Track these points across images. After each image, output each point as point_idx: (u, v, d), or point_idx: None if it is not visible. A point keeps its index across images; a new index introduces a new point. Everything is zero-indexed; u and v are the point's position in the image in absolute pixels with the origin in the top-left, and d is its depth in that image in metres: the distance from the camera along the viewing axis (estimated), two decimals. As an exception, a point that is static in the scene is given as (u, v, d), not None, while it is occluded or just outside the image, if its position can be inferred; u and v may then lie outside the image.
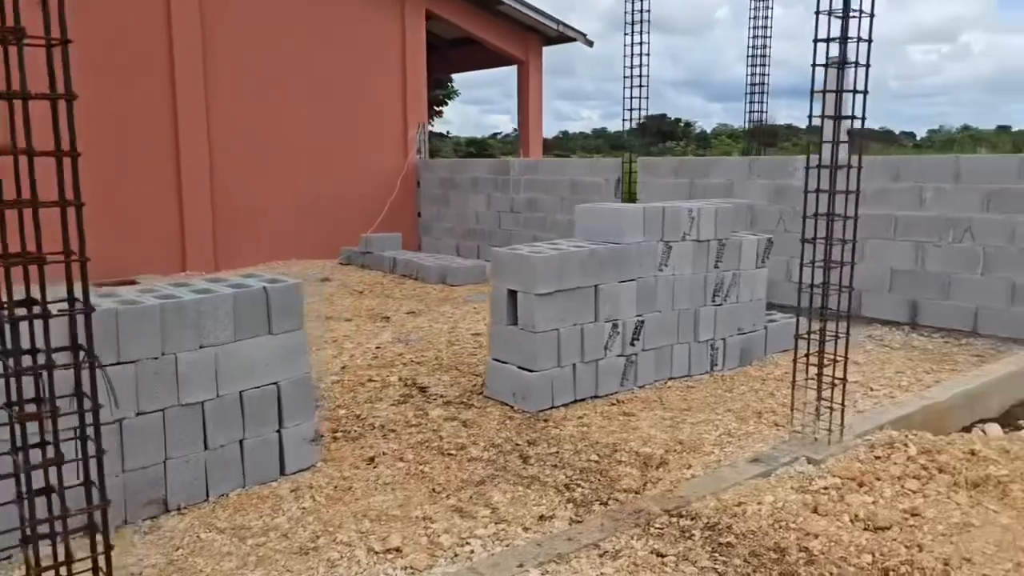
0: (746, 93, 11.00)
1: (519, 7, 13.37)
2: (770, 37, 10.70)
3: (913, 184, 7.15)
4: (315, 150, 12.10)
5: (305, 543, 3.28)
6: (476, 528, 3.41)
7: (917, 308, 7.21)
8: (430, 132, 36.12)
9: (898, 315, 7.32)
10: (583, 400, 5.11)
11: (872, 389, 5.36)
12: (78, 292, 2.10)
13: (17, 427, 2.09)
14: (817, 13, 3.92)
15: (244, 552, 3.22)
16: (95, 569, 2.15)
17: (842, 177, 4.10)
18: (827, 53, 3.97)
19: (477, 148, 42.76)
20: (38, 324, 2.08)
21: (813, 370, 4.25)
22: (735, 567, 3.05)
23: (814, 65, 4.01)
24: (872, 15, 3.93)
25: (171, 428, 3.56)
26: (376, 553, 3.20)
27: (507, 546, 3.25)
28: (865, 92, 4.07)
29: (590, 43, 14.58)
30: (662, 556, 3.10)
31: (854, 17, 3.89)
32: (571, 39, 14.51)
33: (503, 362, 5.09)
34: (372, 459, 4.19)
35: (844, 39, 3.91)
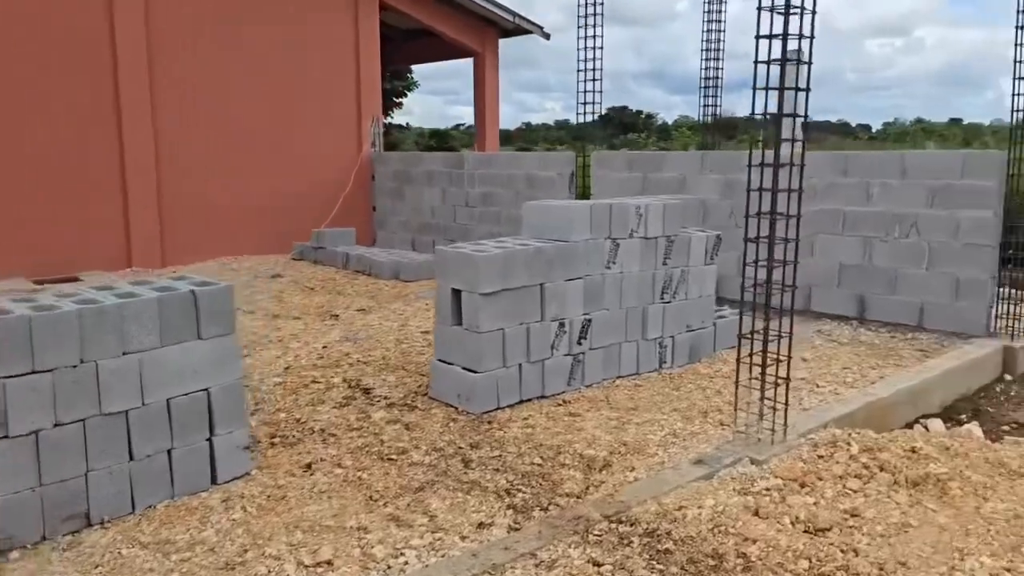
0: (701, 87, 11.00)
1: (474, -2, 13.23)
2: (724, 32, 10.71)
3: (861, 179, 7.20)
4: (267, 143, 11.85)
5: (232, 558, 3.16)
6: (412, 538, 3.32)
7: (865, 303, 7.27)
8: (390, 124, 35.88)
9: (847, 310, 7.38)
10: (529, 400, 5.04)
11: (818, 386, 5.37)
12: None
13: None
14: (759, 9, 3.88)
15: (167, 569, 3.09)
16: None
17: (791, 174, 4.07)
18: (769, 50, 3.93)
19: (439, 139, 42.53)
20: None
21: (758, 369, 4.23)
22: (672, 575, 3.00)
23: (756, 62, 3.96)
24: (814, 12, 3.90)
25: (93, 439, 3.41)
26: (306, 567, 3.09)
27: (442, 556, 3.17)
28: (808, 89, 4.05)
29: (547, 36, 14.50)
30: (599, 565, 3.04)
31: (795, 14, 3.85)
32: (528, 31, 14.40)
33: (448, 363, 4.99)
34: (309, 466, 4.07)
35: (786, 36, 3.87)
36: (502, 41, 14.77)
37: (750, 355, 4.19)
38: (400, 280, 9.73)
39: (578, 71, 9.50)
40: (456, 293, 4.91)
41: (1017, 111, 6.38)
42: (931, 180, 6.79)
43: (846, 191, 7.30)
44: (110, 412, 3.44)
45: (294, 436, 4.49)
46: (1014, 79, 6.26)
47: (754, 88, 3.97)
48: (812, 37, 3.95)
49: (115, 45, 10.38)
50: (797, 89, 3.99)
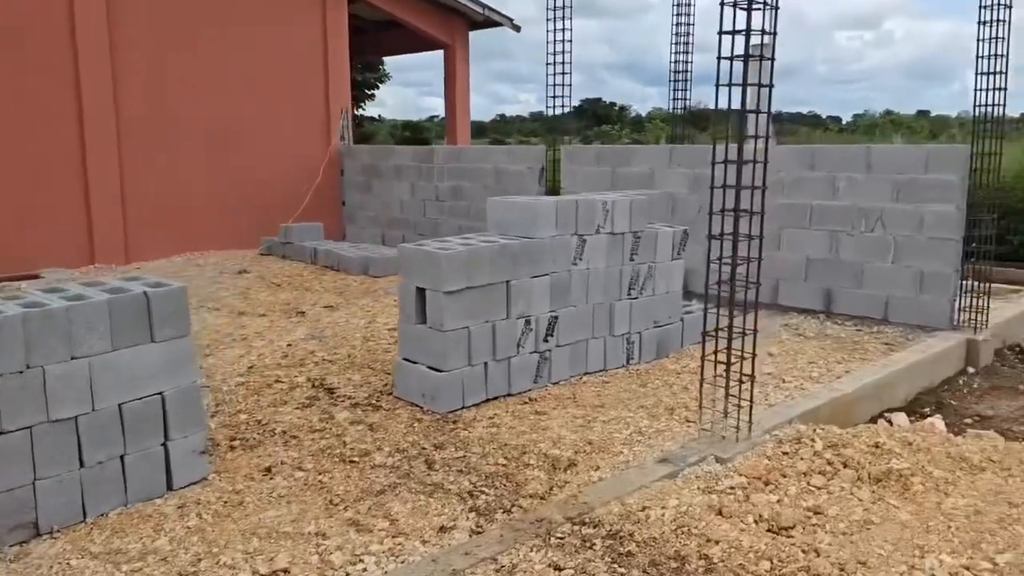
0: (671, 80, 10.98)
1: (443, -10, 13.10)
2: (693, 24, 10.69)
3: (828, 173, 7.23)
4: (233, 137, 11.66)
5: (185, 567, 3.08)
6: (371, 543, 3.26)
7: (832, 296, 7.31)
8: (362, 116, 35.57)
9: (814, 303, 7.41)
10: (496, 399, 5.00)
11: (784, 381, 5.38)
12: None
13: None
14: (722, 5, 3.85)
15: (117, 580, 3.01)
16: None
17: (754, 171, 4.05)
18: (732, 45, 3.91)
19: (413, 131, 42.30)
20: None
21: (723, 367, 4.21)
22: (634, 578, 2.97)
23: (719, 57, 3.93)
24: (776, 7, 3.87)
25: (40, 446, 3.30)
26: (261, 576, 3.02)
27: (402, 562, 3.12)
28: (771, 86, 4.03)
29: (517, 27, 14.41)
30: (560, 570, 3.00)
31: (758, 9, 3.82)
32: (498, 23, 14.30)
33: (412, 362, 4.93)
34: (269, 469, 4.00)
35: (748, 32, 3.85)
36: (475, 33, 14.67)
37: (715, 352, 4.17)
38: (369, 276, 9.63)
39: (547, 63, 9.45)
40: (420, 291, 4.84)
41: (980, 105, 6.42)
42: (896, 174, 6.82)
43: (813, 185, 7.32)
44: (58, 419, 3.34)
45: (254, 438, 4.40)
46: (976, 73, 6.31)
47: (717, 84, 3.94)
48: (775, 33, 3.93)
49: (75, 35, 10.15)
50: (760, 85, 3.96)
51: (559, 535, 3.27)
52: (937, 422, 5.01)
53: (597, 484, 3.78)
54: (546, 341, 5.21)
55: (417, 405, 4.87)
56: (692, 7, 10.52)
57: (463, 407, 4.82)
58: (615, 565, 3.05)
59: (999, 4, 6.21)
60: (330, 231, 12.16)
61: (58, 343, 3.31)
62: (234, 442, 4.35)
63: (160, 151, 11.01)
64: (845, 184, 7.12)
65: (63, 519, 3.38)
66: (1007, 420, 5.38)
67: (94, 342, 3.42)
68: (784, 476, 3.89)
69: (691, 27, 10.60)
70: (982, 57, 6.29)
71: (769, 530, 3.38)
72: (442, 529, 3.40)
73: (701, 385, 4.29)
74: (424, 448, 4.27)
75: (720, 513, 3.47)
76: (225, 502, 3.62)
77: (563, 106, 9.51)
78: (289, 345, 6.37)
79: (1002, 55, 6.28)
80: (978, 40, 6.28)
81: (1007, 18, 6.24)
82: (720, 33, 3.90)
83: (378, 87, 33.19)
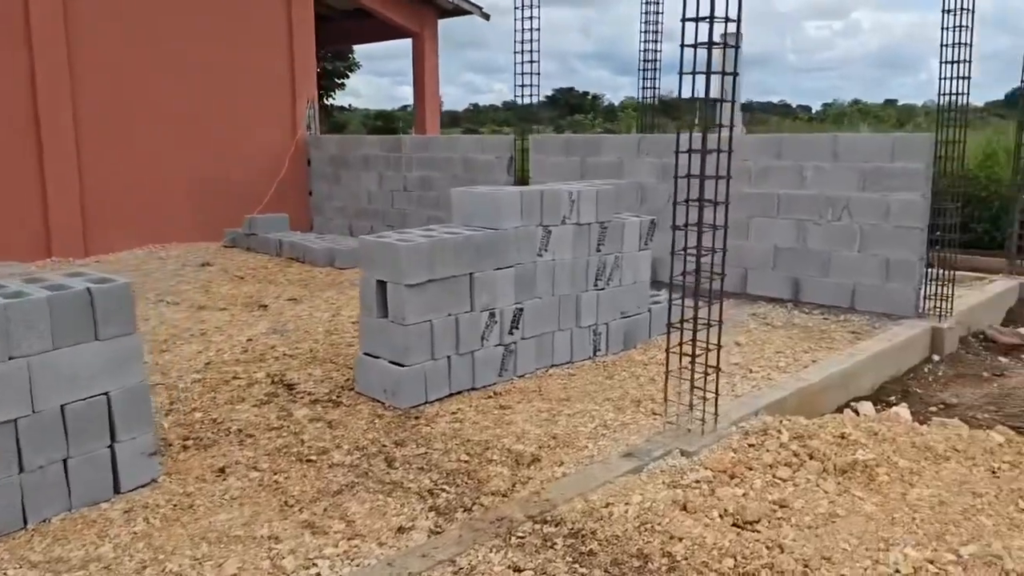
0: (640, 68, 10.88)
1: (411, -23, 12.91)
2: (662, 12, 10.60)
3: (795, 162, 7.20)
4: (196, 126, 11.40)
5: (129, 575, 2.95)
6: (326, 546, 3.15)
7: (799, 285, 7.30)
8: (332, 105, 35.07)
9: (782, 292, 7.40)
10: (460, 393, 4.90)
11: (751, 371, 5.34)
12: None
13: None
14: (684, -10, 3.76)
15: (57, 590, 2.88)
16: None
17: (718, 160, 3.98)
18: (696, 32, 3.82)
19: (386, 120, 41.93)
20: None
21: (688, 359, 4.15)
22: (595, 578, 2.90)
23: (683, 45, 3.85)
24: (740, -7, 3.78)
25: (-24, 451, 3.16)
26: (209, 583, 2.90)
27: (357, 566, 3.02)
28: (735, 73, 3.95)
29: (486, 16, 14.26)
30: (519, 571, 2.92)
31: (721, -6, 3.73)
32: (467, 12, 14.14)
33: (374, 356, 4.82)
34: (222, 470, 3.87)
35: (712, 18, 3.76)
36: (449, 22, 14.50)
37: (680, 344, 4.11)
38: (335, 267, 9.48)
39: (515, 52, 9.32)
40: (381, 284, 4.72)
41: (945, 94, 6.42)
42: (862, 163, 6.81)
43: (780, 174, 7.29)
44: (-4, 421, 3.19)
45: (209, 438, 4.27)
46: (941, 62, 6.29)
47: (680, 72, 3.86)
48: (739, 20, 3.85)
49: (29, 24, 9.83)
50: (725, 73, 3.89)
51: (520, 534, 3.18)
52: (902, 411, 5.00)
53: (560, 480, 3.70)
54: (511, 334, 5.12)
55: (379, 401, 4.76)
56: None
57: (426, 402, 4.72)
58: (576, 565, 2.97)
59: (964, -8, 6.19)
60: (297, 222, 11.96)
61: (-6, 343, 3.15)
62: (187, 442, 4.21)
63: (120, 142, 10.73)
64: (812, 173, 7.10)
65: (2, 526, 3.24)
66: (971, 408, 5.39)
67: (33, 341, 3.27)
68: (750, 469, 3.84)
69: (660, 15, 10.53)
70: (946, 46, 6.27)
71: (734, 525, 3.33)
72: (400, 530, 3.30)
73: (666, 378, 4.23)
74: (384, 445, 4.16)
75: (685, 508, 3.41)
76: (175, 505, 3.50)
77: (532, 95, 9.40)
78: (249, 340, 6.22)
79: (966, 43, 6.27)
80: (942, 28, 6.26)
81: (971, 6, 6.23)
82: (684, 20, 3.81)
83: (348, 76, 32.83)
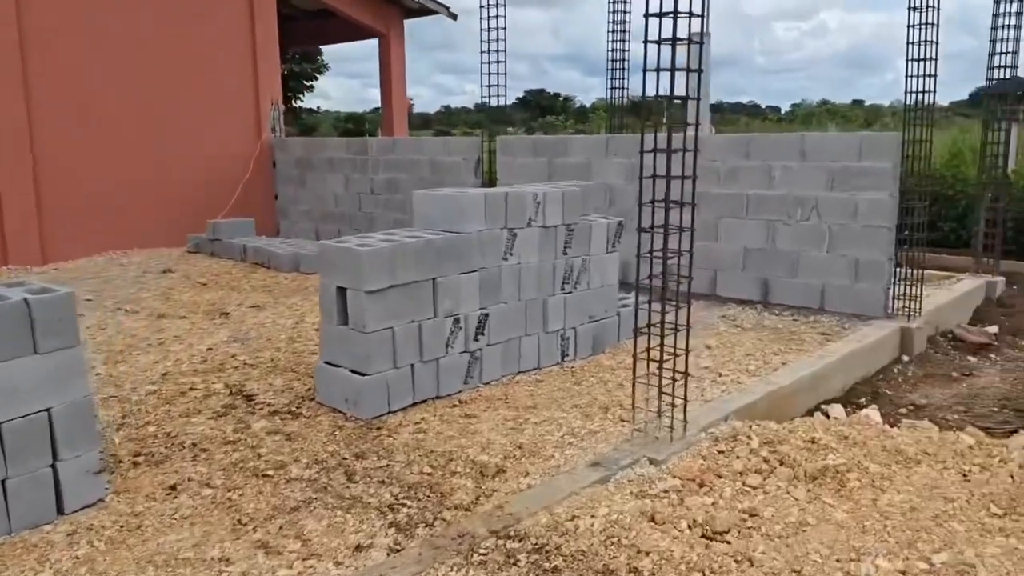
0: (608, 68, 10.82)
1: (376, -23, 12.74)
2: (630, 12, 10.55)
3: (763, 162, 7.15)
4: (159, 130, 11.12)
5: (68, 604, 2.79)
6: (280, 568, 3.01)
7: (769, 286, 7.26)
8: (300, 108, 34.65)
9: (752, 294, 7.35)
10: (424, 402, 4.77)
11: (721, 375, 5.27)
12: None
13: None
14: (647, -14, 3.67)
15: (-11, 622, 2.71)
16: None
17: (684, 160, 3.89)
18: (659, 28, 3.73)
19: (357, 123, 41.71)
20: None
21: (656, 365, 4.05)
22: (560, 596, 2.79)
23: (646, 41, 3.76)
24: (703, -11, 3.70)
25: (-96, 474, 2.97)
26: (154, 610, 2.75)
27: (311, 588, 2.88)
28: (700, 70, 3.87)
29: (453, 16, 14.13)
30: (480, 590, 2.81)
31: (685, -9, 3.65)
32: (433, 12, 13.99)
33: (335, 365, 4.67)
34: (174, 487, 3.70)
35: (676, 13, 3.68)
36: (419, 24, 14.37)
37: (647, 350, 4.01)
38: (301, 272, 9.29)
39: (482, 52, 9.20)
40: (341, 291, 4.58)
41: (911, 92, 6.40)
42: (830, 162, 6.78)
43: (749, 174, 7.24)
44: (-75, 443, 3.01)
45: (161, 453, 4.10)
46: (907, 61, 6.28)
47: (644, 69, 3.76)
48: (703, 16, 3.76)
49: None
50: (690, 70, 3.80)
51: (482, 551, 3.06)
52: (873, 413, 4.95)
53: (526, 492, 3.59)
54: (476, 340, 5.00)
55: (340, 411, 4.62)
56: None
57: (388, 412, 4.58)
58: (540, 583, 2.86)
59: (928, -10, 6.18)
60: (262, 226, 11.74)
61: (-79, 359, 2.97)
62: (138, 458, 4.03)
63: (78, 145, 10.43)
64: (780, 173, 7.06)
65: (-66, 553, 3.06)
66: (941, 408, 5.36)
67: (-34, 356, 3.09)
68: (719, 477, 3.76)
69: (627, 15, 10.46)
70: (913, 43, 6.26)
71: (704, 536, 3.24)
72: (358, 548, 3.17)
73: (634, 385, 4.13)
74: (344, 458, 4.02)
75: (653, 520, 3.31)
76: (121, 526, 3.33)
77: (499, 96, 9.29)
78: (209, 349, 6.04)
79: (932, 41, 6.26)
80: (908, 26, 6.25)
81: (936, 4, 6.22)
82: (647, 16, 3.72)
83: (316, 78, 32.55)
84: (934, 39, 6.27)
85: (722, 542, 3.19)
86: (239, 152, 12.00)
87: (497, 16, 9.08)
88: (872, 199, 6.57)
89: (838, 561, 2.98)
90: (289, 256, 9.46)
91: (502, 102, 9.33)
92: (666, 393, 4.05)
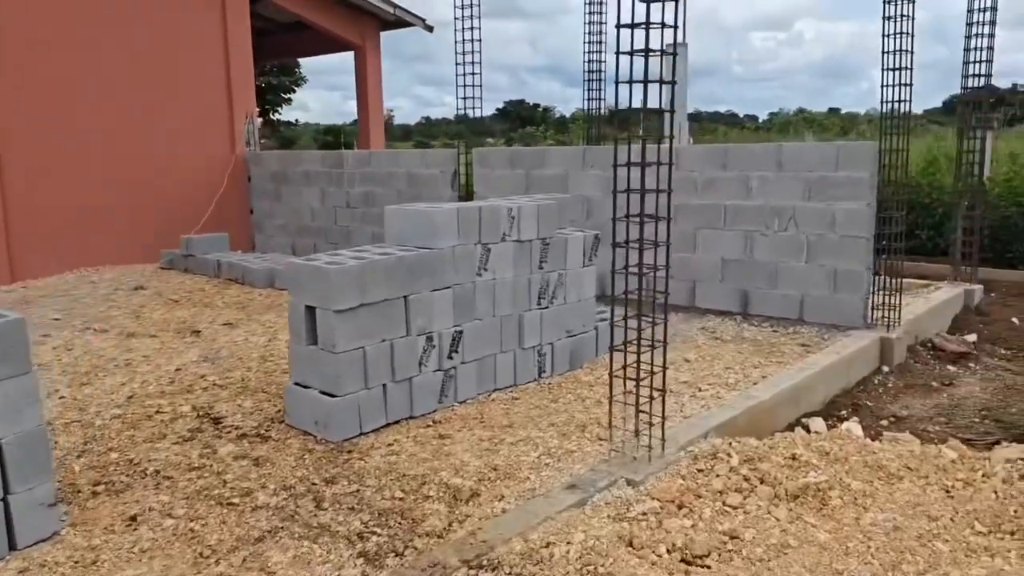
0: (584, 80, 10.77)
1: (351, -12, 12.64)
2: (606, 23, 10.52)
3: (740, 173, 7.11)
4: (130, 144, 10.94)
5: (14, 649, 2.65)
6: (241, 604, 2.88)
7: (748, 297, 7.20)
8: (278, 121, 34.48)
9: (731, 305, 7.29)
10: (397, 423, 4.64)
11: (700, 389, 5.19)
12: None
13: None
14: (618, -4, 3.59)
15: (-71, 670, 2.56)
16: None
17: (658, 173, 3.81)
18: (632, 39, 3.65)
19: (336, 135, 41.66)
20: None
21: (632, 383, 3.96)
22: (533, 630, 2.68)
23: (618, 53, 3.68)
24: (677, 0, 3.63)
25: None
26: (106, 654, 2.61)
27: (273, 626, 2.75)
28: (673, 82, 3.79)
29: (430, 28, 14.05)
30: (450, 626, 2.69)
31: (658, 1, 3.58)
32: (409, 24, 13.92)
33: (305, 386, 4.54)
34: (134, 518, 3.56)
35: (648, 24, 3.60)
36: (398, 35, 14.26)
37: (623, 368, 3.92)
38: (275, 288, 9.13)
39: (457, 64, 9.11)
40: (310, 310, 4.45)
41: (887, 101, 6.38)
42: (807, 172, 6.75)
43: (726, 185, 7.19)
44: None
45: (122, 481, 3.95)
46: (882, 70, 6.26)
47: (617, 81, 3.69)
48: (676, 27, 3.69)
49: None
50: (663, 82, 3.73)
51: (453, 582, 2.95)
52: (854, 427, 4.89)
53: (500, 517, 3.47)
54: (451, 358, 4.88)
55: (310, 434, 4.48)
56: (604, 6, 10.36)
57: (360, 434, 4.45)
58: (513, 616, 2.75)
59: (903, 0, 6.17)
60: (238, 241, 11.58)
61: None
62: (98, 487, 3.88)
63: (47, 160, 10.23)
64: (758, 183, 7.01)
65: None
66: (922, 420, 5.31)
67: (-92, 387, 2.94)
68: (699, 497, 3.67)
69: (603, 25, 10.44)
70: (888, 52, 6.24)
71: (683, 560, 3.14)
72: (325, 581, 3.04)
73: (610, 405, 4.03)
74: (314, 484, 3.89)
75: (631, 545, 3.21)
76: (76, 562, 3.18)
77: (474, 108, 9.20)
78: (178, 370, 5.88)
79: (907, 50, 6.24)
80: (883, 35, 6.23)
81: (911, 13, 6.21)
82: (618, 26, 3.65)
83: (294, 91, 32.42)
84: (909, 48, 6.26)
85: (702, 567, 3.10)
86: (213, 166, 11.84)
87: (472, 28, 9.01)
88: (849, 209, 6.54)
89: (820, 586, 2.89)
90: (263, 272, 9.31)
91: (478, 114, 9.26)
92: (643, 411, 3.96)
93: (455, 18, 9.03)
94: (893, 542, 3.24)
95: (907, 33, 6.22)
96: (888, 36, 6.22)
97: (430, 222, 4.77)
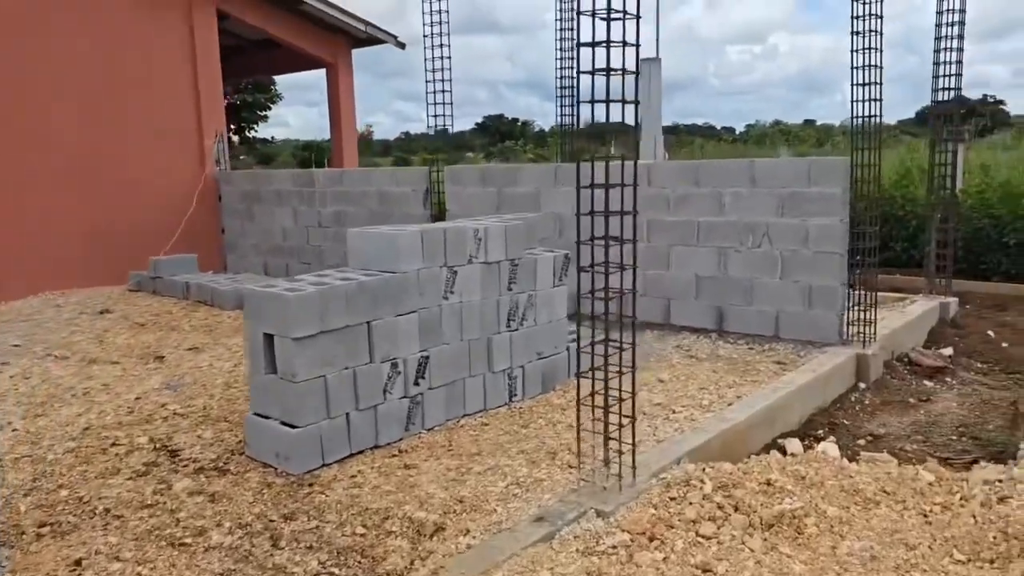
0: (557, 96, 10.72)
1: (322, 7, 12.52)
2: (576, 40, 10.47)
3: (713, 189, 7.04)
4: (96, 164, 10.72)
5: None
6: (186, 657, 2.72)
7: (723, 314, 7.12)
8: (254, 138, 34.29)
9: (706, 322, 7.21)
10: (361, 453, 4.49)
11: (674, 411, 5.08)
12: None
13: None
14: (578, 14, 3.50)
15: None
16: None
17: (623, 193, 3.71)
18: (593, 58, 3.56)
19: (315, 151, 41.60)
20: None
21: (601, 411, 3.84)
22: None
23: (578, 72, 3.58)
24: (637, 17, 3.55)
25: None
26: None
27: None
28: (636, 102, 3.70)
29: (402, 45, 13.96)
30: None
31: (618, 19, 3.49)
32: (382, 41, 13.82)
33: (264, 417, 4.38)
34: (79, 562, 3.38)
35: (609, 43, 3.51)
36: (375, 52, 14.18)
37: (591, 395, 3.80)
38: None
39: (427, 81, 9.03)
40: (268, 338, 4.30)
41: (858, 116, 6.34)
42: (780, 188, 6.69)
43: (699, 201, 7.12)
44: None
45: (70, 522, 3.77)
46: (852, 85, 6.22)
47: (577, 101, 3.59)
48: (638, 45, 3.61)
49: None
50: (624, 102, 3.63)
51: (412, 628, 2.80)
52: (830, 447, 4.79)
53: (464, 555, 3.33)
54: (417, 384, 4.74)
55: (271, 466, 4.32)
56: (575, 22, 10.31)
57: (323, 465, 4.30)
58: (473, 665, 2.61)
59: (871, 15, 6.14)
60: (209, 262, 11.38)
61: None
62: (43, 528, 3.70)
63: (8, 180, 10.01)
64: (731, 199, 6.95)
65: None
66: (899, 438, 5.23)
67: None
68: (671, 527, 3.54)
69: (574, 42, 10.38)
70: (857, 68, 6.20)
71: (653, 597, 3.01)
72: (277, 628, 2.89)
73: (578, 434, 3.90)
74: (272, 520, 3.73)
75: (599, 582, 3.08)
76: (12, 614, 3.01)
77: (446, 124, 9.12)
78: (138, 399, 5.69)
79: (876, 65, 6.21)
80: (852, 51, 6.20)
81: (879, 28, 6.18)
82: (578, 45, 3.55)
83: (270, 107, 32.29)
84: (878, 63, 6.23)
85: (672, 605, 2.97)
86: (183, 186, 11.63)
87: (442, 45, 8.93)
88: (823, 224, 6.48)
89: (794, 625, 2.78)
90: (232, 293, 9.12)
91: (450, 129, 9.18)
92: (613, 439, 3.84)
93: (424, 35, 8.97)
94: (870, 573, 3.14)
95: (876, 48, 6.20)
96: (857, 51, 6.18)
97: (393, 245, 4.64)
